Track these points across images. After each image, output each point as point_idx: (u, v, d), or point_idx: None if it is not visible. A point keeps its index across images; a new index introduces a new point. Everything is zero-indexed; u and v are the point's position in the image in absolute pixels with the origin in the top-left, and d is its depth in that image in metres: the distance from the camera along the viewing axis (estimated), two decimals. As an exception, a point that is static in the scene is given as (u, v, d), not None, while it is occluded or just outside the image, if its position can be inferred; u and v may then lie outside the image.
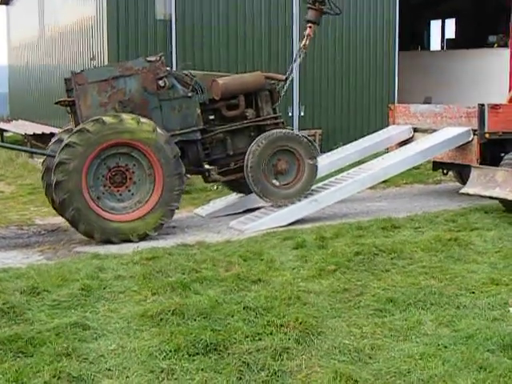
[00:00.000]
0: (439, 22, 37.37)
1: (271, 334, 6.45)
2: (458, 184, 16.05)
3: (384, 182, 14.26)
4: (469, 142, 13.70)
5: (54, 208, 12.25)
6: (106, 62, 19.47)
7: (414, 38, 35.25)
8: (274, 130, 12.26)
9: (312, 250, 9.59)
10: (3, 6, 36.29)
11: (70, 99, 11.87)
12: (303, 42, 13.23)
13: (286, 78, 13.02)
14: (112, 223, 10.99)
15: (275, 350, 6.07)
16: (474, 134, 13.65)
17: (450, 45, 35.78)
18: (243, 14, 21.35)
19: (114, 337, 6.58)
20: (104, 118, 11.02)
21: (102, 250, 10.24)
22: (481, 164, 13.79)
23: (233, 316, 6.91)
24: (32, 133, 23.64)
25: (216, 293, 7.67)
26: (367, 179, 12.68)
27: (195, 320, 6.80)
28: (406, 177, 16.07)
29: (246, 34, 21.32)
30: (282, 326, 6.58)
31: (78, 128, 11.01)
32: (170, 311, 6.96)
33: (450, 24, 37.08)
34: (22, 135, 24.75)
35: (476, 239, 10.08)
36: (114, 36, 19.49)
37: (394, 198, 14.62)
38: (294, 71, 13.29)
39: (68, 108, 12.07)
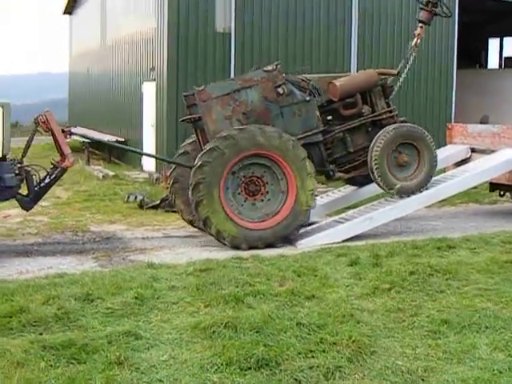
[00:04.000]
0: (497, 40, 36.94)
1: (324, 351, 6.40)
2: (514, 205, 15.86)
3: (439, 200, 14.09)
4: (527, 165, 13.46)
5: (183, 218, 12.70)
6: (166, 73, 19.65)
7: (472, 56, 34.90)
8: (396, 125, 12.55)
9: (366, 267, 9.51)
10: (66, 16, 36.94)
11: (194, 115, 12.18)
12: (414, 41, 13.46)
13: (399, 72, 13.27)
14: (254, 231, 11.41)
15: (328, 368, 6.03)
16: (533, 156, 13.42)
17: (508, 63, 35.37)
18: (302, 19, 21.43)
19: (166, 347, 6.60)
20: (235, 130, 11.48)
21: (156, 259, 10.30)
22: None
23: (285, 332, 6.87)
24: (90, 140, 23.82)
25: (269, 307, 7.63)
26: (424, 198, 12.56)
27: (248, 334, 6.78)
28: (461, 196, 15.87)
29: (304, 40, 21.39)
30: (334, 343, 6.53)
31: (222, 135, 11.40)
32: (222, 324, 6.96)
33: (509, 42, 36.62)
34: (80, 142, 25.03)
35: (533, 262, 9.91)
36: (173, 47, 19.65)
37: (450, 218, 14.45)
38: (407, 69, 13.42)
39: (192, 124, 12.46)
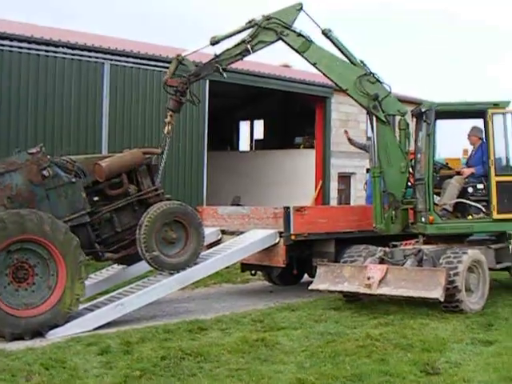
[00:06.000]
0: (248, 123, 38.43)
1: None
2: (266, 283, 16.32)
3: (192, 282, 14.20)
4: (275, 244, 13.93)
5: None
6: None
7: (223, 138, 36.04)
8: (163, 203, 12.61)
9: (117, 355, 9.32)
10: None
11: None
12: (166, 129, 13.64)
13: (162, 152, 13.47)
14: (20, 319, 10.81)
15: None
16: (280, 236, 13.92)
17: (258, 145, 36.83)
18: (54, 98, 21.33)
19: None
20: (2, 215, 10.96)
21: None
22: (287, 265, 14.09)
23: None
24: None
25: (13, 406, 7.28)
26: (174, 283, 12.53)
27: None
28: (214, 277, 16.08)
29: (55, 120, 21.27)
30: None
31: None
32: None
33: (259, 125, 38.14)
34: None
35: (283, 339, 10.22)
36: None
37: (203, 299, 14.62)
38: (164, 156, 13.63)
39: None
